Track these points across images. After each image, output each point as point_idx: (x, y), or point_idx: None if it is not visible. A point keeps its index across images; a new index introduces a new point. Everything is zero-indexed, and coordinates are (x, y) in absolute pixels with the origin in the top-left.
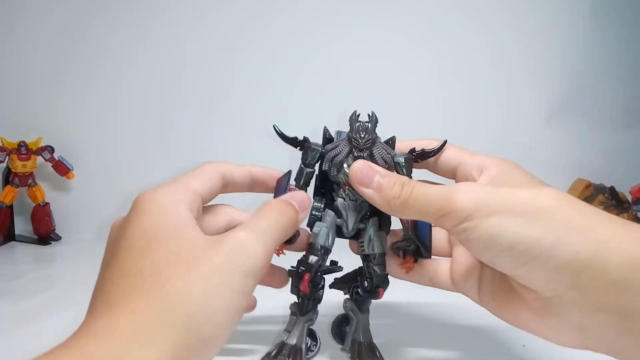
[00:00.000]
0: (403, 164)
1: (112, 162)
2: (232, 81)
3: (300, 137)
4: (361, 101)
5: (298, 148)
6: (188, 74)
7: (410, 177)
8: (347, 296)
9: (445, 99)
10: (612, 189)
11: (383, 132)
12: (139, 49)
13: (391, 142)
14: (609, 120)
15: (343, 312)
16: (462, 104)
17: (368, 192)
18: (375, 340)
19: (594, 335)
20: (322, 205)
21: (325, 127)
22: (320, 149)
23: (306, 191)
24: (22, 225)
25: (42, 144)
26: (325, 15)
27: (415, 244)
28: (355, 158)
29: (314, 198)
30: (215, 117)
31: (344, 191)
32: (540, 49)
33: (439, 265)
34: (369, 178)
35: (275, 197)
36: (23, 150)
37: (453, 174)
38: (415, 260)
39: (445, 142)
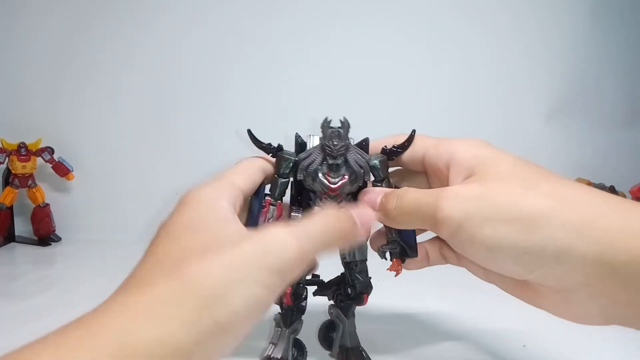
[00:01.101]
0: (378, 166)
1: (112, 163)
2: (231, 81)
3: (275, 144)
4: (361, 101)
5: (271, 155)
6: (187, 75)
7: (387, 178)
8: (332, 302)
9: (445, 99)
10: (612, 188)
11: (383, 133)
12: (138, 51)
13: (365, 143)
14: (609, 120)
15: (329, 317)
16: (462, 104)
17: (376, 215)
18: (373, 344)
19: (617, 316)
20: (300, 216)
21: (296, 133)
22: (293, 158)
23: (282, 201)
24: (22, 227)
25: (42, 145)
26: (324, 16)
27: (400, 246)
28: (330, 166)
29: (291, 208)
30: (214, 118)
31: (321, 200)
32: (540, 49)
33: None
34: (374, 201)
35: (250, 209)
36: (23, 151)
37: (422, 168)
38: (403, 261)
39: (414, 132)
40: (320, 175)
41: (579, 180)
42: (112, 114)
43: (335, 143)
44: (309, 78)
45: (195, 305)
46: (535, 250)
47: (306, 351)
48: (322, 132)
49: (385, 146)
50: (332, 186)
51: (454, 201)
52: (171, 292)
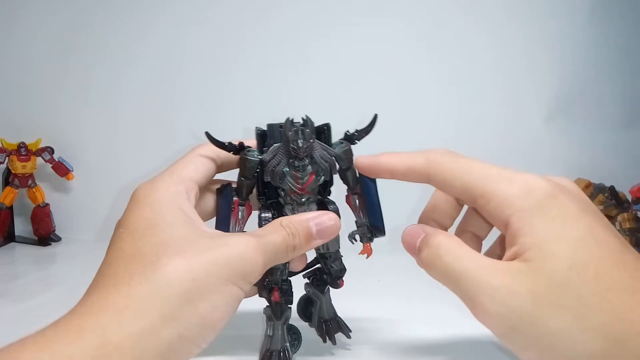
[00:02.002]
0: (342, 157)
1: (112, 163)
2: (231, 81)
3: (235, 142)
4: (361, 100)
5: (232, 153)
6: (188, 75)
7: (352, 167)
8: (307, 281)
9: (445, 100)
10: (612, 188)
11: (382, 133)
12: (138, 50)
13: (327, 128)
14: (609, 120)
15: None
16: (462, 104)
17: (416, 259)
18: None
19: None
20: (271, 215)
21: (256, 127)
22: (257, 159)
23: (248, 200)
24: (22, 226)
25: (42, 145)
26: (326, 15)
27: (369, 229)
28: (296, 167)
29: (261, 209)
30: (215, 118)
31: (289, 196)
32: (540, 49)
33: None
34: (413, 245)
35: (218, 211)
36: (23, 151)
37: (474, 203)
38: (371, 241)
39: (376, 116)
40: (287, 176)
41: (579, 180)
42: (112, 114)
43: (300, 144)
44: (310, 77)
45: (178, 299)
46: None
47: (300, 334)
48: (285, 132)
49: (348, 131)
50: (300, 187)
51: (497, 309)
52: (150, 287)
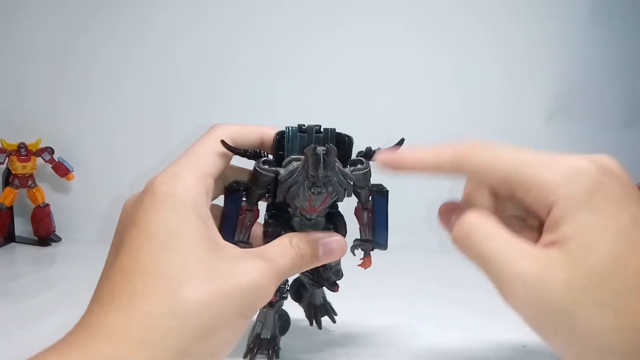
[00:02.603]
0: (361, 180)
1: (112, 163)
2: (232, 81)
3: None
4: (361, 100)
5: (247, 157)
6: (187, 75)
7: (368, 187)
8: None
9: (445, 99)
10: None
11: (382, 133)
12: (138, 50)
13: (348, 141)
14: (609, 120)
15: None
16: (462, 104)
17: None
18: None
19: None
20: (280, 230)
21: (275, 134)
22: (272, 175)
23: (258, 206)
24: (22, 227)
25: (42, 145)
26: (326, 15)
27: (372, 245)
28: (311, 191)
29: (269, 223)
30: (215, 117)
31: (300, 213)
32: (540, 49)
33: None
34: (448, 220)
35: (225, 213)
36: (23, 151)
37: (513, 193)
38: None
39: (402, 140)
40: (301, 196)
41: None
42: (112, 114)
43: (319, 175)
44: (309, 76)
45: (195, 336)
46: None
47: (289, 318)
48: (306, 158)
49: (370, 148)
50: (312, 208)
51: (528, 296)
52: (171, 318)
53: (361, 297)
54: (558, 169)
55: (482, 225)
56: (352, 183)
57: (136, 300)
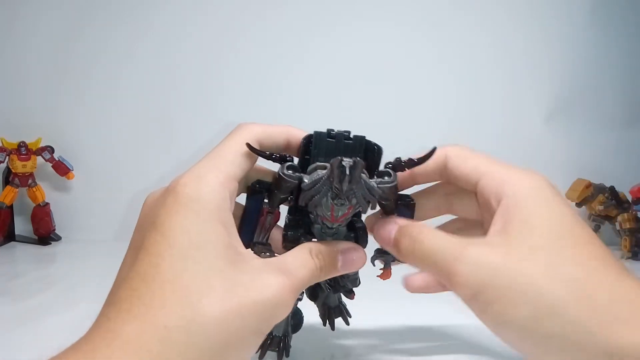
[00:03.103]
0: (387, 193)
1: (112, 162)
2: (231, 79)
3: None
4: (361, 100)
5: (272, 160)
6: (187, 73)
7: (391, 202)
8: None
9: (445, 99)
10: (612, 189)
11: (381, 133)
12: (138, 49)
13: (377, 150)
14: (609, 120)
15: None
16: (462, 104)
17: (391, 250)
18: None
19: None
20: (300, 235)
21: (303, 138)
22: (296, 182)
23: (279, 208)
24: (22, 226)
25: (42, 144)
26: (326, 16)
27: (393, 257)
28: (335, 202)
29: (289, 226)
30: (214, 116)
31: (322, 221)
32: (540, 49)
33: None
34: (387, 237)
35: (245, 213)
36: (23, 150)
37: (474, 191)
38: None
39: (434, 149)
40: (323, 206)
41: (579, 180)
42: (112, 114)
43: (344, 188)
44: (309, 77)
45: (212, 355)
46: (542, 337)
47: (303, 316)
48: (332, 169)
49: (399, 158)
50: (334, 218)
51: (470, 269)
52: (188, 338)
53: (375, 300)
54: (519, 170)
55: (429, 231)
56: (376, 196)
57: (154, 311)
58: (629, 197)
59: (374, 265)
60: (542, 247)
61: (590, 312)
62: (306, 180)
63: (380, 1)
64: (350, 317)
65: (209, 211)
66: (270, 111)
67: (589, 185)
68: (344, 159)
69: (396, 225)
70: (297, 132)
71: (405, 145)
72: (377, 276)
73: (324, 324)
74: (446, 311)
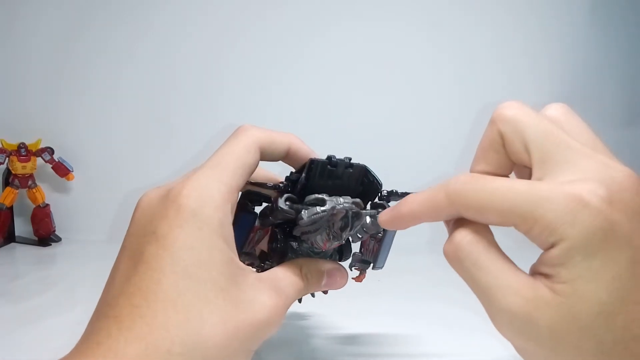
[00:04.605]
0: (378, 229)
1: (112, 163)
2: (231, 79)
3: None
4: (360, 100)
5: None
6: (186, 74)
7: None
8: None
9: (445, 99)
10: None
11: (381, 132)
12: (137, 50)
13: (375, 185)
14: (609, 119)
15: None
16: (462, 104)
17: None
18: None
19: None
20: (287, 250)
21: (307, 162)
22: (292, 215)
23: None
24: (22, 227)
25: (42, 145)
26: (325, 16)
27: (370, 265)
28: (329, 239)
29: (277, 239)
30: (214, 116)
31: (307, 242)
32: (540, 48)
33: None
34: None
35: (236, 226)
36: (23, 151)
37: (515, 228)
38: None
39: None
40: (318, 239)
41: None
42: (112, 114)
43: (343, 236)
44: (309, 77)
45: None
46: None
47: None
48: (334, 216)
49: (396, 192)
50: (325, 249)
51: (508, 329)
52: (188, 357)
53: (365, 298)
54: (557, 204)
55: (472, 248)
56: (369, 233)
57: (158, 333)
58: None
59: (352, 270)
60: (589, 330)
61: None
62: (304, 217)
63: (380, 1)
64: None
65: (212, 227)
66: (270, 111)
67: None
68: (347, 209)
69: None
70: (299, 143)
71: (403, 145)
72: (352, 278)
73: (313, 295)
74: (437, 305)
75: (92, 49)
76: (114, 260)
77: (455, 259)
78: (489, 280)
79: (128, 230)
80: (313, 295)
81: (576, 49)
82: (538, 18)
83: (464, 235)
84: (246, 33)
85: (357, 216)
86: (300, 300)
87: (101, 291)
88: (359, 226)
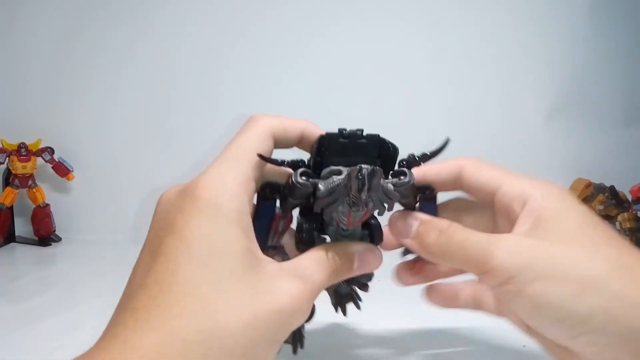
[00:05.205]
0: (404, 194)
1: (112, 163)
2: (230, 79)
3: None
4: (360, 99)
5: (285, 166)
6: (186, 74)
7: (410, 199)
8: None
9: (445, 99)
10: (612, 188)
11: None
12: (137, 50)
13: (392, 150)
14: (609, 120)
15: None
16: (462, 104)
17: (407, 242)
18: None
19: None
20: (314, 238)
21: (316, 140)
22: (310, 190)
23: (291, 212)
24: (22, 227)
25: (42, 145)
26: (325, 16)
27: None
28: (351, 208)
29: (303, 228)
30: (214, 117)
31: (333, 224)
32: (540, 49)
33: (484, 290)
34: (408, 228)
35: (257, 217)
36: (23, 151)
37: (491, 201)
38: None
39: (448, 140)
40: (339, 212)
41: (579, 180)
42: (112, 114)
43: (362, 198)
44: (308, 77)
45: None
46: (583, 315)
47: (314, 305)
48: (349, 179)
49: (412, 154)
50: (351, 224)
51: (509, 251)
52: (206, 346)
53: (381, 299)
54: (537, 179)
55: (454, 224)
56: (393, 199)
57: (173, 322)
58: (629, 197)
59: (404, 257)
60: (577, 234)
61: (629, 283)
62: (321, 187)
63: (380, 1)
64: (361, 301)
65: (228, 216)
66: (270, 111)
67: (589, 184)
68: (362, 166)
69: (417, 220)
70: (314, 128)
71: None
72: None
73: (336, 310)
74: (460, 313)
75: (92, 49)
76: (115, 258)
77: (450, 238)
78: (482, 237)
79: (150, 226)
80: (359, 307)
81: (576, 50)
82: (538, 18)
83: (447, 221)
84: (246, 33)
85: (373, 173)
86: (345, 313)
87: (101, 291)
88: (379, 188)
